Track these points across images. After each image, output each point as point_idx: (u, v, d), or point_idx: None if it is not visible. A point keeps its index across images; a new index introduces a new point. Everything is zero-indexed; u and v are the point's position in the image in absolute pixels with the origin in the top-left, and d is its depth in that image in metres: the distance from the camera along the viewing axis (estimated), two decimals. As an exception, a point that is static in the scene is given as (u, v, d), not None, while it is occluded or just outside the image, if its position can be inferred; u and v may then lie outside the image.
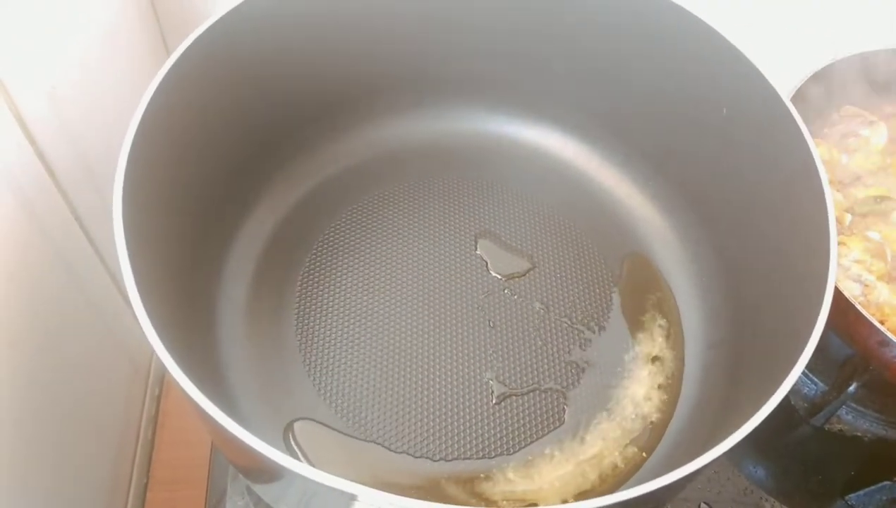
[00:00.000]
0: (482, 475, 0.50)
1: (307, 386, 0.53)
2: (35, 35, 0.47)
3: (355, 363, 0.54)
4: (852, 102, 0.72)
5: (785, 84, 0.54)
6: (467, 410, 0.53)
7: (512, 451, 0.52)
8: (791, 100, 0.50)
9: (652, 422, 0.54)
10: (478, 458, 0.51)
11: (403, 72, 0.64)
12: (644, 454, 0.52)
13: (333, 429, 0.51)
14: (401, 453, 0.51)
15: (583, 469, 0.51)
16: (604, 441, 0.52)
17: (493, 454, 0.51)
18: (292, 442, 0.51)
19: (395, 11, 0.59)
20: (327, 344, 0.55)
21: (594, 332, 0.58)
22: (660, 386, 0.55)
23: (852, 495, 0.61)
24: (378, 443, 0.51)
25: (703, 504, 0.58)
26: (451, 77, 0.65)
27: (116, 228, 0.38)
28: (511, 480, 0.50)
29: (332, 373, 0.54)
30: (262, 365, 0.54)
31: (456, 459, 0.51)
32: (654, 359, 0.57)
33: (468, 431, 0.52)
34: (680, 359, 0.57)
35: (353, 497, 0.32)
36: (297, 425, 0.51)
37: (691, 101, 0.58)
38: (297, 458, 0.49)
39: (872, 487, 0.61)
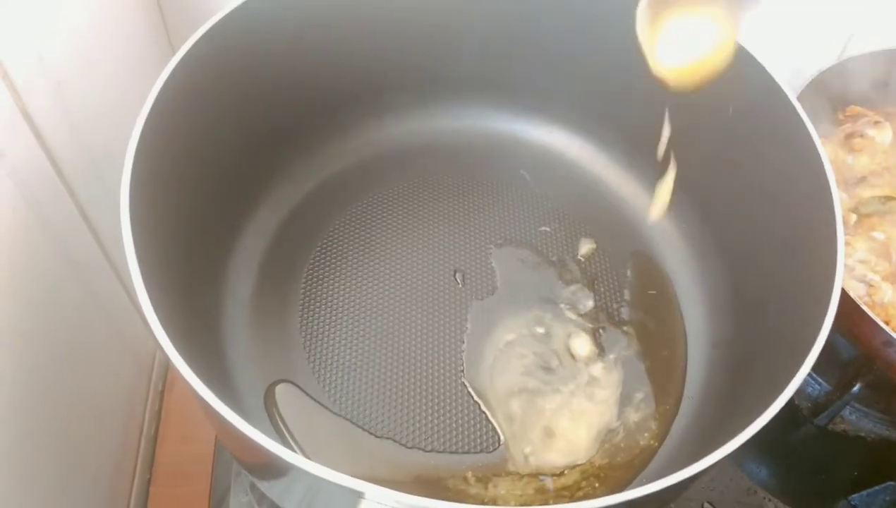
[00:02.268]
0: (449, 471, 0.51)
1: (311, 383, 0.53)
2: (41, 30, 0.47)
3: (359, 359, 0.55)
4: (858, 102, 0.72)
5: (792, 83, 0.54)
6: (461, 408, 0.53)
7: (474, 451, 0.52)
8: (797, 98, 0.50)
9: (640, 450, 0.53)
10: (449, 453, 0.51)
11: (408, 70, 0.64)
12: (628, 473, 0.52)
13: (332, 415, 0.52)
14: (412, 448, 0.51)
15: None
16: (581, 474, 0.52)
17: (465, 450, 0.52)
18: (284, 430, 0.51)
19: (400, 10, 0.59)
20: (331, 342, 0.55)
21: (598, 337, 0.58)
22: (657, 416, 0.54)
23: (855, 495, 0.61)
24: (372, 433, 0.51)
25: (706, 504, 0.59)
26: (456, 75, 0.65)
27: (124, 225, 0.38)
28: (467, 480, 0.50)
29: (336, 370, 0.54)
30: (265, 362, 0.54)
31: (433, 451, 0.51)
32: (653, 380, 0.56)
33: (456, 427, 0.52)
34: (680, 381, 0.57)
35: (359, 495, 0.32)
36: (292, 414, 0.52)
37: (697, 100, 0.58)
38: (294, 450, 0.49)
39: (876, 487, 0.61)
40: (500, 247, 0.62)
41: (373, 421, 0.52)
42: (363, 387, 0.53)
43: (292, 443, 0.50)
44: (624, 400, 0.55)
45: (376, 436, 0.51)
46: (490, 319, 0.57)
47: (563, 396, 0.54)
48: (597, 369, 0.56)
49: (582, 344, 0.57)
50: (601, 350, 0.57)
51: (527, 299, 0.59)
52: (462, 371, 0.54)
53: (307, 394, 0.53)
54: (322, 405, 0.52)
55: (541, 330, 0.57)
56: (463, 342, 0.56)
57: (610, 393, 0.55)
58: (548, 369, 0.55)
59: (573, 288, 0.60)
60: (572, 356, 0.56)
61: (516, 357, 0.56)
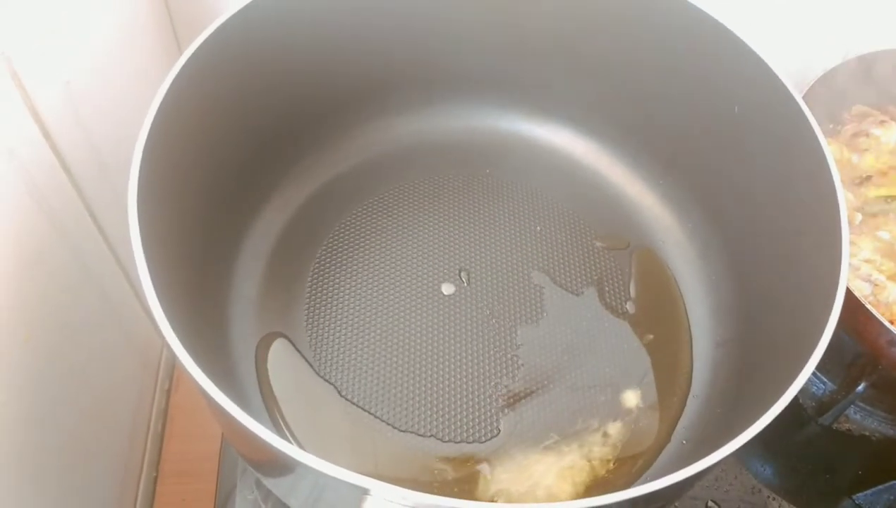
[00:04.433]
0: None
1: (317, 378, 0.53)
2: (50, 30, 0.48)
3: (364, 357, 0.55)
4: (863, 102, 0.72)
5: (797, 82, 0.54)
6: (465, 400, 0.54)
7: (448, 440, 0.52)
8: (803, 98, 0.50)
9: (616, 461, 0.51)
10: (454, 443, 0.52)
11: (415, 69, 0.64)
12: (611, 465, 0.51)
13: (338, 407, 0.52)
14: (426, 435, 0.52)
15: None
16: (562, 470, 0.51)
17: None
18: (283, 425, 0.51)
19: (407, 9, 0.59)
20: (338, 340, 0.55)
21: (597, 337, 0.58)
22: (662, 414, 0.54)
23: (860, 494, 0.61)
24: (384, 420, 0.52)
25: (710, 503, 0.59)
26: (462, 75, 0.66)
27: (131, 223, 0.39)
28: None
29: (342, 369, 0.54)
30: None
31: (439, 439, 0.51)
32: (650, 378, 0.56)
33: (466, 418, 0.53)
34: (687, 378, 0.56)
35: (365, 491, 0.32)
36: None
37: (702, 99, 0.58)
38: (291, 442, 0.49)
39: (880, 486, 0.61)
40: (507, 245, 0.62)
41: (382, 411, 0.52)
42: (370, 380, 0.54)
43: (289, 436, 0.50)
44: (628, 398, 0.55)
45: (398, 429, 0.52)
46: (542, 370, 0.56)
47: (558, 456, 0.51)
48: (615, 427, 0.53)
49: (632, 397, 0.55)
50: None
51: (530, 296, 0.59)
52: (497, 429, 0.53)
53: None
54: (328, 400, 0.53)
55: (604, 398, 0.54)
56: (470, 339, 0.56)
57: (610, 450, 0.52)
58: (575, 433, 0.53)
59: (576, 288, 0.60)
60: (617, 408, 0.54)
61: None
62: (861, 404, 0.65)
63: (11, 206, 0.44)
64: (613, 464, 0.51)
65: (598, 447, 0.52)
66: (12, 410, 0.44)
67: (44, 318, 0.48)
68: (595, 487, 0.50)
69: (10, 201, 0.44)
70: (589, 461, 0.51)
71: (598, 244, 0.63)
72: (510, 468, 0.50)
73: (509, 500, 0.49)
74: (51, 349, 0.49)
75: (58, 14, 0.49)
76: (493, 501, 0.49)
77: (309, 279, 0.58)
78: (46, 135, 0.48)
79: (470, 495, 0.49)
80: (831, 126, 0.71)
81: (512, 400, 0.54)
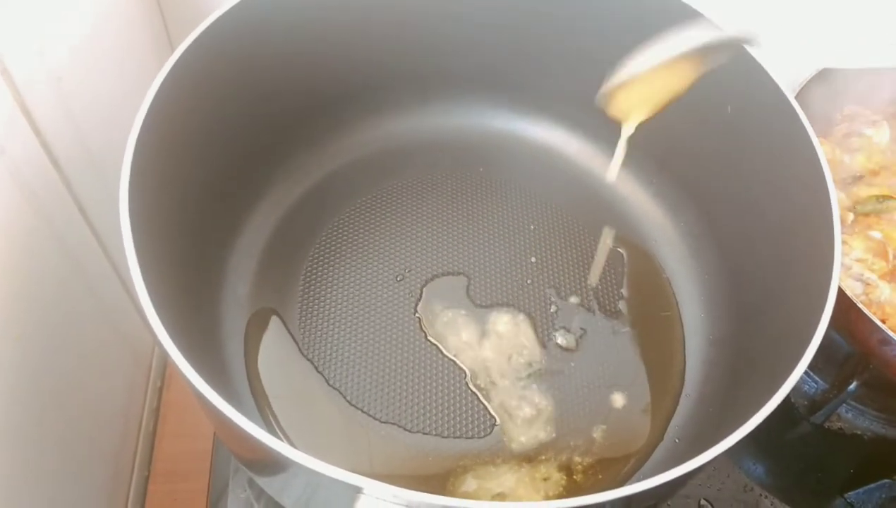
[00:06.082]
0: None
1: (311, 379, 0.53)
2: (41, 27, 0.47)
3: (356, 353, 0.55)
4: (856, 102, 0.72)
5: (789, 82, 0.54)
6: (452, 397, 0.54)
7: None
8: (795, 98, 0.51)
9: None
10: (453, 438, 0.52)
11: (409, 67, 0.64)
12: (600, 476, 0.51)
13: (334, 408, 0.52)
14: (416, 432, 0.52)
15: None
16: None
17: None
18: (276, 428, 0.51)
19: (402, 7, 0.59)
20: (331, 339, 0.55)
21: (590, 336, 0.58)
22: (654, 413, 0.54)
23: (852, 493, 0.61)
24: (375, 417, 0.52)
25: (703, 501, 0.59)
26: (456, 73, 0.66)
27: (123, 221, 0.38)
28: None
29: (335, 367, 0.54)
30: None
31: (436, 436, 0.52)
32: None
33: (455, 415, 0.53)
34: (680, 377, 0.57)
35: (357, 490, 0.32)
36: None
37: (696, 99, 0.58)
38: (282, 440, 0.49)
39: (872, 485, 0.61)
40: (501, 243, 0.62)
41: (375, 408, 0.52)
42: (362, 376, 0.54)
43: (280, 434, 0.51)
44: (621, 398, 0.55)
45: (381, 421, 0.52)
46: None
47: (539, 462, 0.52)
48: (603, 429, 0.53)
49: (625, 396, 0.55)
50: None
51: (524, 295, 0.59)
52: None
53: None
54: (322, 402, 0.53)
55: (596, 397, 0.55)
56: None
57: (595, 456, 0.51)
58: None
59: (569, 286, 0.60)
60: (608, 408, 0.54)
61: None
62: (853, 403, 0.65)
63: (1, 204, 0.44)
64: (601, 474, 0.51)
65: (580, 454, 0.52)
66: (2, 408, 0.44)
67: (34, 316, 0.48)
68: (573, 493, 0.51)
69: (0, 198, 0.44)
70: (569, 473, 0.51)
71: (592, 243, 0.63)
72: (483, 474, 0.51)
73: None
74: (42, 347, 0.49)
75: (49, 11, 0.48)
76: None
77: (302, 277, 0.58)
78: (37, 132, 0.48)
79: (442, 492, 0.49)
80: (824, 126, 0.71)
81: (504, 399, 0.54)
